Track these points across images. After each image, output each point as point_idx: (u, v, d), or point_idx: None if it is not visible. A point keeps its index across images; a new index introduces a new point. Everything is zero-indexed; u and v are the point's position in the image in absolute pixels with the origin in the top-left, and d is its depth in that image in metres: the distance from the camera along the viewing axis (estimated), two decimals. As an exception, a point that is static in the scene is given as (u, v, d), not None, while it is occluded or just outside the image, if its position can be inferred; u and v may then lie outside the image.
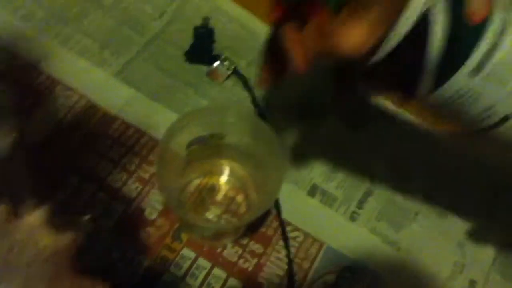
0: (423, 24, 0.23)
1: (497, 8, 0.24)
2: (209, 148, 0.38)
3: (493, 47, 0.23)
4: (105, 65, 0.45)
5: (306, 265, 0.41)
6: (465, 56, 0.24)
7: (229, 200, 0.41)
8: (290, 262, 0.40)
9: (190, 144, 0.37)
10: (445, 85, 0.24)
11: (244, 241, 0.41)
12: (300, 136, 0.45)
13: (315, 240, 0.42)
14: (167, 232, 0.40)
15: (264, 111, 0.46)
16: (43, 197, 0.37)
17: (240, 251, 0.40)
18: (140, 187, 0.41)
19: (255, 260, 0.40)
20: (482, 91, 0.24)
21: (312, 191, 0.43)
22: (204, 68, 0.47)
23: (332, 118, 0.46)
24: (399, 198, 0.44)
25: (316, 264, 0.41)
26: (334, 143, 0.45)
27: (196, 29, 0.47)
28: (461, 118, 0.26)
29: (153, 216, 0.40)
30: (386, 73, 0.26)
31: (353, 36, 0.23)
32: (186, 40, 0.47)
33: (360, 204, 0.43)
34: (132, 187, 0.41)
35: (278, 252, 0.41)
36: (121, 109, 0.44)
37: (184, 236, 0.40)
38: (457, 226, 0.44)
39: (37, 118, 0.41)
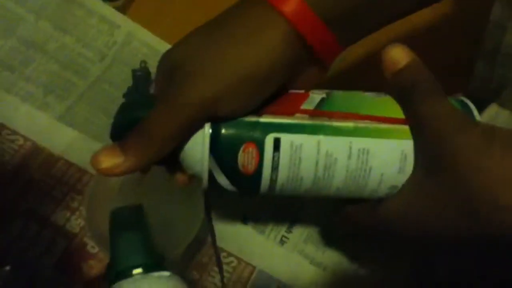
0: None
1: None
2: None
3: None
4: (48, 109, 0.48)
5: (239, 288, 0.44)
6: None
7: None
8: (223, 286, 0.44)
9: (123, 184, 0.40)
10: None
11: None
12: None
13: (247, 264, 0.45)
14: (108, 264, 0.43)
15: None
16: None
17: (177, 279, 0.43)
18: (83, 222, 0.44)
19: (191, 286, 0.43)
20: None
21: (245, 219, 0.47)
22: (143, 108, 0.50)
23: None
24: (323, 222, 0.48)
25: (248, 287, 0.44)
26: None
27: (133, 71, 0.51)
28: None
29: (95, 250, 0.43)
30: None
31: None
32: (127, 81, 0.51)
33: (289, 229, 0.47)
34: (75, 223, 0.44)
35: (213, 277, 0.44)
36: (64, 150, 0.47)
37: (125, 267, 0.43)
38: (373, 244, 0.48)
39: (-17, 163, 0.44)
